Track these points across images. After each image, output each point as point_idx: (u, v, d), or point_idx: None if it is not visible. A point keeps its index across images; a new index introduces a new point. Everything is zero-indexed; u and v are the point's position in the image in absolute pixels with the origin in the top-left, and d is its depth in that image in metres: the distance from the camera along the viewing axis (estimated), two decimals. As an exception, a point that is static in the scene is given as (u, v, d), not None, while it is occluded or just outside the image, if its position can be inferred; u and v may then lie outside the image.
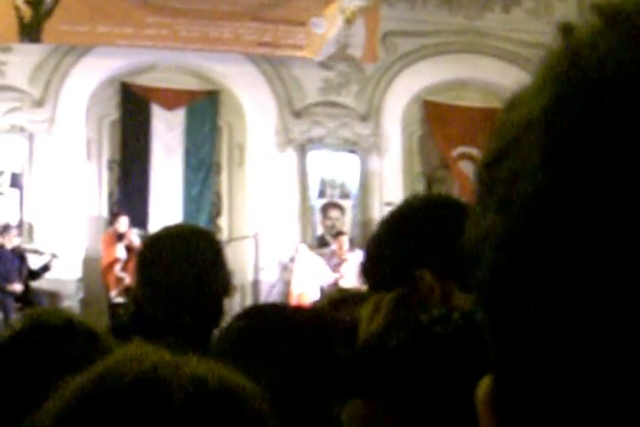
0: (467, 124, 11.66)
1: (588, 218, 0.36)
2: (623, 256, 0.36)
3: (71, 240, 10.41)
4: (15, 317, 8.75)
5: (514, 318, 0.40)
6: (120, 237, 10.03)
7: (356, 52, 11.43)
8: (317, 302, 3.41)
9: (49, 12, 10.40)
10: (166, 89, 11.26)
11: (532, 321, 0.39)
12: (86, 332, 1.63)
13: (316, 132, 11.55)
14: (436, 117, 12.03)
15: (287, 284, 10.49)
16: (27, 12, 10.33)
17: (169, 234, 2.35)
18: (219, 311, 2.31)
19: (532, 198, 0.38)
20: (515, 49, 11.98)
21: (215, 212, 11.51)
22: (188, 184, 11.31)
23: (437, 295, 1.48)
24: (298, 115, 11.53)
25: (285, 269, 10.63)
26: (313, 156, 11.56)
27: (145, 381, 0.82)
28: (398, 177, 11.70)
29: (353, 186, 11.71)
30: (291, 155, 11.46)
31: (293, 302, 9.39)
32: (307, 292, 9.84)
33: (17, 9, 10.28)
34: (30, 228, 10.43)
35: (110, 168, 11.22)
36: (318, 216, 11.56)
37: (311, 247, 10.76)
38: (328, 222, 11.55)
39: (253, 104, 11.46)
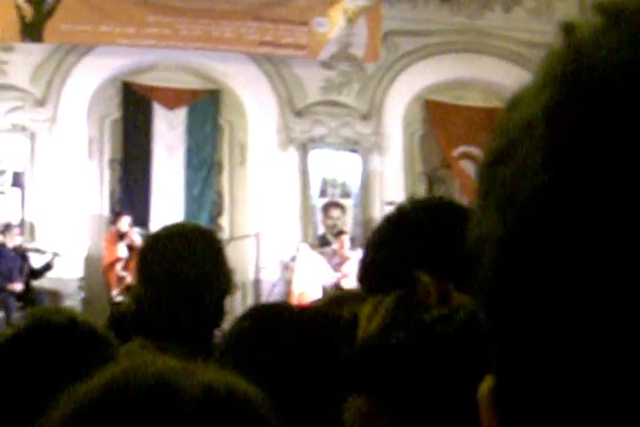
0: (468, 123, 11.66)
1: (588, 218, 0.36)
2: (623, 256, 0.36)
3: (72, 239, 10.41)
4: (17, 316, 8.76)
5: (514, 318, 0.40)
6: (122, 236, 10.04)
7: (358, 51, 11.42)
8: (318, 300, 3.41)
9: (50, 12, 10.40)
10: (168, 88, 11.26)
11: (531, 321, 0.39)
12: (88, 331, 1.64)
13: (318, 131, 11.55)
14: (437, 117, 12.02)
15: (288, 283, 10.48)
16: (28, 11, 10.33)
17: (170, 233, 2.34)
18: (220, 310, 2.31)
19: (532, 198, 0.38)
20: (516, 48, 11.97)
21: (216, 211, 11.51)
22: (190, 183, 11.32)
23: (435, 297, 1.48)
24: (299, 114, 11.52)
25: (287, 268, 10.63)
26: (314, 155, 11.56)
27: (155, 388, 0.81)
28: (399, 176, 11.69)
29: (354, 185, 11.71)
30: (292, 154, 11.46)
31: (295, 301, 9.39)
32: (308, 291, 9.84)
33: (18, 8, 10.28)
34: (32, 227, 10.43)
35: (112, 167, 11.22)
36: (319, 215, 11.56)
37: (312, 247, 10.76)
38: (329, 222, 11.55)
39: (255, 103, 11.45)
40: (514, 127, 0.41)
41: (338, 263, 10.21)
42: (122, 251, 9.94)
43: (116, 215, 10.44)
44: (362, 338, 1.49)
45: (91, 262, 10.40)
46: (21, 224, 10.26)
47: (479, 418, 0.45)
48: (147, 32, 10.77)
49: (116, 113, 11.23)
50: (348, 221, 11.57)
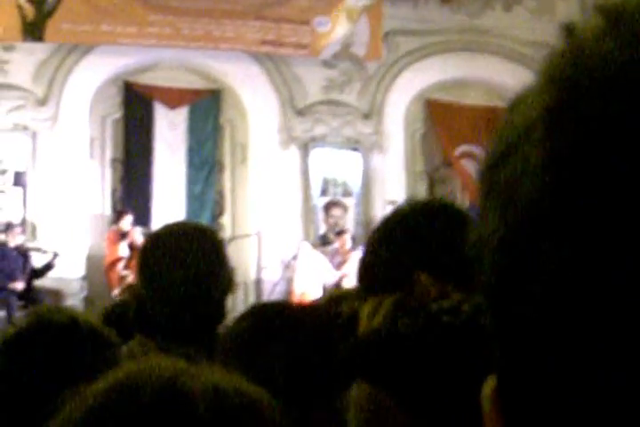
0: (469, 122, 11.66)
1: (588, 219, 0.36)
2: (623, 257, 0.36)
3: (74, 238, 10.42)
4: (18, 315, 8.76)
5: (514, 319, 0.40)
6: (124, 235, 10.04)
7: (359, 50, 11.42)
8: (319, 299, 3.42)
9: (52, 11, 10.41)
10: (169, 88, 11.26)
11: (532, 321, 0.39)
12: (90, 330, 1.64)
13: (319, 130, 11.55)
14: (438, 116, 12.02)
15: (290, 282, 10.48)
16: (29, 10, 10.34)
17: (170, 232, 2.34)
18: (221, 309, 2.31)
19: (532, 199, 0.38)
20: (517, 47, 11.97)
21: (218, 210, 11.51)
22: (191, 182, 11.32)
23: (434, 297, 1.48)
24: (300, 113, 11.52)
25: (288, 267, 10.62)
26: (315, 154, 11.56)
27: (164, 392, 0.81)
28: (401, 175, 11.70)
29: (355, 184, 11.71)
30: (293, 153, 11.46)
31: (296, 300, 9.39)
32: (309, 290, 9.84)
33: (20, 8, 10.29)
34: (33, 226, 10.44)
35: (113, 167, 11.22)
36: (321, 214, 11.56)
37: (314, 246, 10.76)
38: (330, 221, 11.55)
39: (256, 102, 11.45)
40: (515, 129, 0.41)
41: (339, 262, 10.21)
42: (123, 250, 9.95)
43: (118, 214, 10.44)
44: (365, 331, 1.49)
45: (92, 262, 10.41)
46: (23, 223, 10.27)
47: (482, 410, 0.45)
48: (148, 31, 10.77)
49: (117, 112, 11.24)
50: (349, 221, 11.58)
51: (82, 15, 10.43)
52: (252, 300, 10.19)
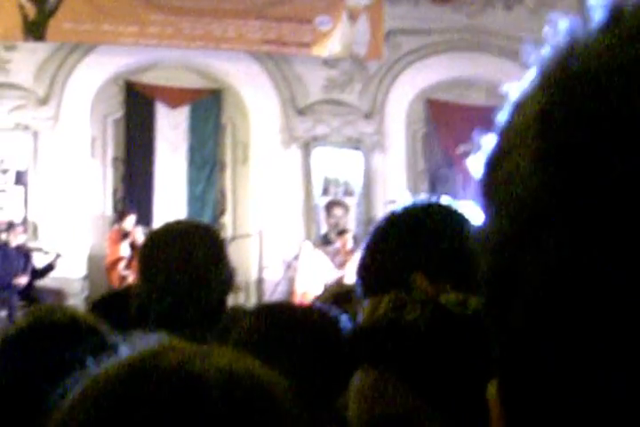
0: (470, 122, 11.65)
1: (580, 220, 0.36)
2: (620, 256, 0.36)
3: (75, 238, 10.42)
4: (19, 314, 8.77)
5: (514, 319, 0.40)
6: (125, 235, 10.05)
7: (360, 49, 11.42)
8: (320, 296, 3.41)
9: (53, 11, 10.41)
10: (170, 87, 11.27)
11: (531, 321, 0.39)
12: (90, 329, 1.64)
13: (320, 130, 11.55)
14: (439, 115, 12.02)
15: (291, 282, 10.48)
16: (31, 10, 10.35)
17: (170, 230, 2.34)
18: (221, 308, 2.31)
19: (528, 200, 0.39)
20: (517, 47, 11.94)
21: (219, 209, 11.52)
22: (192, 182, 11.33)
23: (432, 296, 1.49)
24: (302, 113, 11.53)
25: (289, 267, 10.62)
26: (317, 154, 11.56)
27: (177, 374, 0.81)
28: (402, 175, 11.70)
29: (356, 184, 11.71)
30: (294, 153, 11.46)
31: (297, 300, 9.39)
32: (311, 290, 9.84)
33: (21, 7, 10.30)
34: (35, 225, 10.45)
35: (114, 166, 11.23)
36: (322, 214, 11.56)
37: (315, 245, 10.76)
38: (332, 220, 11.55)
39: (257, 102, 11.46)
40: (512, 129, 0.41)
41: (341, 262, 10.21)
42: (124, 250, 9.95)
43: (120, 214, 10.45)
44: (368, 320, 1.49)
45: (94, 261, 10.41)
46: (24, 223, 10.28)
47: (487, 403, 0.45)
48: (149, 31, 10.78)
49: (118, 112, 11.24)
50: (350, 220, 11.58)
51: (83, 14, 10.44)
52: (253, 300, 10.20)
